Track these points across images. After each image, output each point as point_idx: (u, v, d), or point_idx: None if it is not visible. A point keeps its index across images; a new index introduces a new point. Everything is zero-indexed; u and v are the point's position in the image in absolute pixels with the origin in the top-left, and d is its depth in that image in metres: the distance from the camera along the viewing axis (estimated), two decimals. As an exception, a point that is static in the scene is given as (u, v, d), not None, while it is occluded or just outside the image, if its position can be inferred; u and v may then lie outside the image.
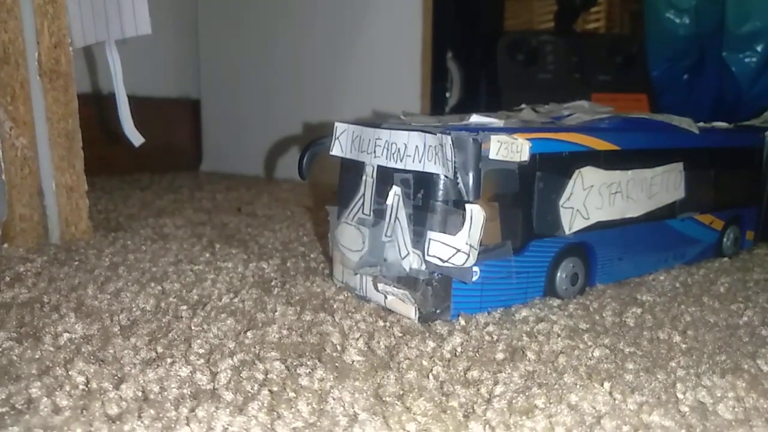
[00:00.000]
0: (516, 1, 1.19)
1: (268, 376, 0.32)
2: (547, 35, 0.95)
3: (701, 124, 0.56)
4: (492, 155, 0.39)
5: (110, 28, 0.59)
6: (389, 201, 0.41)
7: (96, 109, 0.97)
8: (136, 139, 0.62)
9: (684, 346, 0.37)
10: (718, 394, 0.31)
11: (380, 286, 0.42)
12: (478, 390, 0.31)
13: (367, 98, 1.02)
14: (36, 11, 0.57)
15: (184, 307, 0.42)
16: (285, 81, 1.15)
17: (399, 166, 0.40)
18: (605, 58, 0.95)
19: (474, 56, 0.96)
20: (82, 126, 0.61)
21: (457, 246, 0.38)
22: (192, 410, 0.28)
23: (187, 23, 1.25)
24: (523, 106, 0.54)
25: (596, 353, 0.35)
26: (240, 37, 1.20)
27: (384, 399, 0.30)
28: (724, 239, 0.59)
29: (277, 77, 1.16)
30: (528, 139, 0.41)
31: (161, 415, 0.28)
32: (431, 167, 0.39)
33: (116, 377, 0.32)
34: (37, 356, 0.34)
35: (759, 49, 0.87)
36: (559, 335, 0.38)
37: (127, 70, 0.61)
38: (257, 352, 0.35)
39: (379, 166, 0.42)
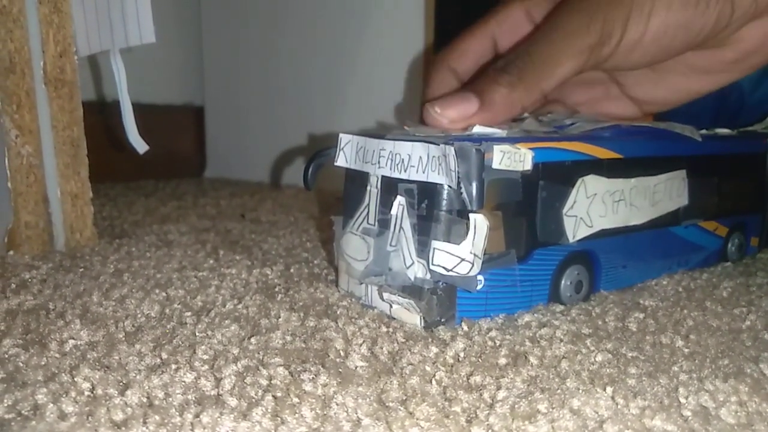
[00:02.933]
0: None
1: (272, 381, 0.32)
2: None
3: (704, 131, 0.56)
4: (495, 165, 0.39)
5: (115, 37, 0.60)
6: (394, 211, 0.41)
7: (101, 116, 0.97)
8: (141, 146, 0.62)
9: (686, 350, 0.37)
10: (721, 399, 0.31)
11: (385, 295, 0.42)
12: (481, 395, 0.31)
13: (370, 108, 1.02)
14: (41, 21, 0.57)
15: (189, 314, 0.42)
16: (289, 87, 1.15)
17: (403, 176, 0.41)
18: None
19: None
20: (87, 134, 0.61)
21: (461, 255, 0.38)
22: (197, 416, 0.28)
23: (191, 31, 1.26)
24: (525, 115, 0.54)
25: (599, 358, 0.35)
26: (244, 44, 1.20)
27: (387, 404, 0.30)
28: (729, 245, 0.59)
29: (281, 84, 1.16)
30: (531, 149, 0.41)
31: (166, 420, 0.28)
32: (435, 177, 0.39)
33: (121, 383, 0.32)
34: (42, 363, 0.34)
35: (761, 53, 0.87)
36: (561, 340, 0.38)
37: (132, 77, 0.61)
38: (261, 357, 0.35)
39: (383, 177, 0.42)
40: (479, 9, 0.57)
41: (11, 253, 0.58)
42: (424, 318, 0.40)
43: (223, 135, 1.28)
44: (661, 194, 0.51)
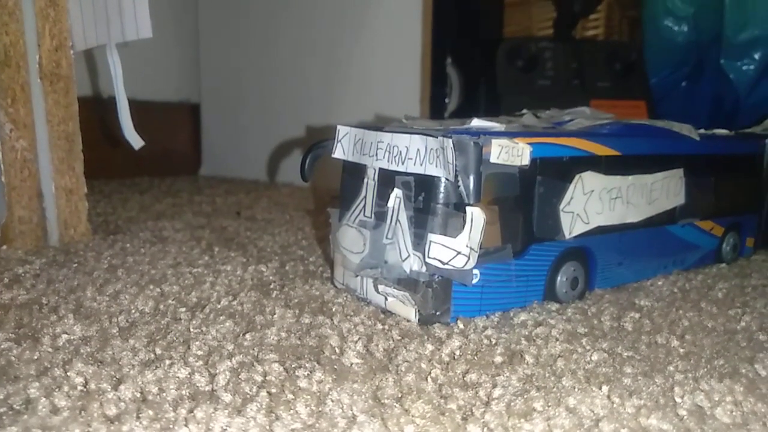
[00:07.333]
0: (515, 7, 1.20)
1: (267, 377, 0.32)
2: (547, 42, 0.95)
3: (702, 131, 0.57)
4: (493, 159, 0.39)
5: (111, 32, 0.60)
6: (390, 203, 0.41)
7: (96, 112, 0.97)
8: (136, 142, 0.62)
9: (682, 350, 0.37)
10: (716, 398, 0.31)
11: (381, 287, 0.42)
12: (477, 393, 0.31)
13: (366, 103, 1.02)
14: (37, 14, 0.57)
15: (183, 309, 0.42)
16: (285, 85, 1.15)
17: (400, 168, 0.41)
18: (604, 64, 0.96)
19: (473, 62, 0.97)
20: (82, 129, 0.61)
21: (457, 248, 0.38)
22: (190, 411, 0.28)
23: (187, 27, 1.26)
24: (524, 111, 0.54)
25: (594, 357, 0.35)
26: (240, 41, 1.20)
27: (382, 401, 0.30)
28: (724, 245, 0.59)
29: (277, 81, 1.16)
30: (529, 144, 0.41)
31: (160, 415, 0.28)
32: (432, 170, 0.39)
33: (115, 378, 0.32)
34: (35, 357, 0.34)
35: (757, 56, 0.87)
36: (557, 339, 0.38)
37: (128, 73, 0.61)
38: (256, 354, 0.35)
39: (380, 169, 0.42)
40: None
41: (5, 247, 0.57)
42: (419, 311, 0.40)
43: (219, 133, 1.27)
44: (658, 192, 0.51)
